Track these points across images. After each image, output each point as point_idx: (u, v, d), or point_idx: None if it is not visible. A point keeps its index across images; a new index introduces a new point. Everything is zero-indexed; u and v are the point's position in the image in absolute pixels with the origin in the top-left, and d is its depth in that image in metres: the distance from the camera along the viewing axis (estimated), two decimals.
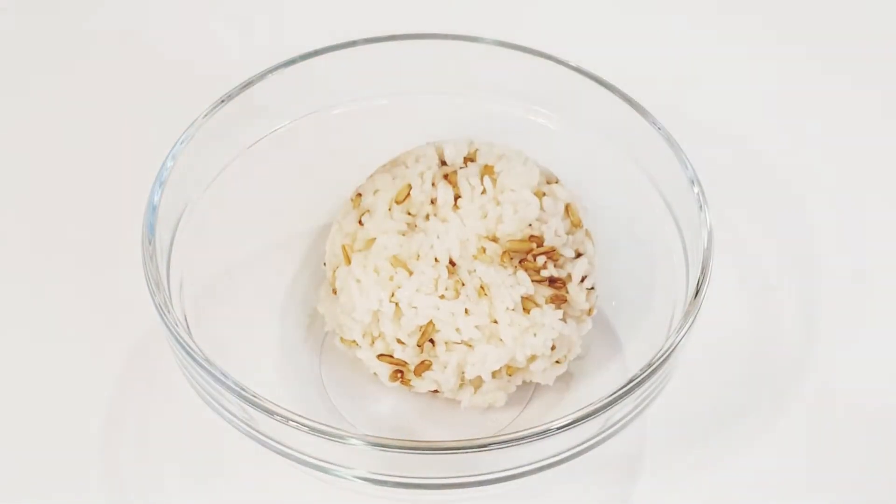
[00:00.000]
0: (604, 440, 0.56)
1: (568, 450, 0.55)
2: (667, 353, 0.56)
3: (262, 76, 0.65)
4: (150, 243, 0.58)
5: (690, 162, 0.62)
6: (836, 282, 0.71)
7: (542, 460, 0.55)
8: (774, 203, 0.75)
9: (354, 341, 0.62)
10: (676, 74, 0.81)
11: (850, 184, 0.76)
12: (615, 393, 0.54)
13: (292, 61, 0.66)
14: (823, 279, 0.71)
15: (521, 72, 0.66)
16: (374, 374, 0.63)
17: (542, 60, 0.66)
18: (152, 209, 0.59)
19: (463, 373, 0.61)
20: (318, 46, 0.66)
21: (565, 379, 0.64)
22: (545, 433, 0.53)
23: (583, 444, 0.56)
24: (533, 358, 0.61)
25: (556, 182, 0.64)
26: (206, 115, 0.63)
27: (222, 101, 0.64)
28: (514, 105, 0.68)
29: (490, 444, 0.53)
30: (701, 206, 0.61)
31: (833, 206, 0.75)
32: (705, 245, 0.59)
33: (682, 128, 0.65)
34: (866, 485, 0.64)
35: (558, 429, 0.53)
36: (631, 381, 0.55)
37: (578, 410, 0.54)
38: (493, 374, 0.61)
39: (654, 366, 0.55)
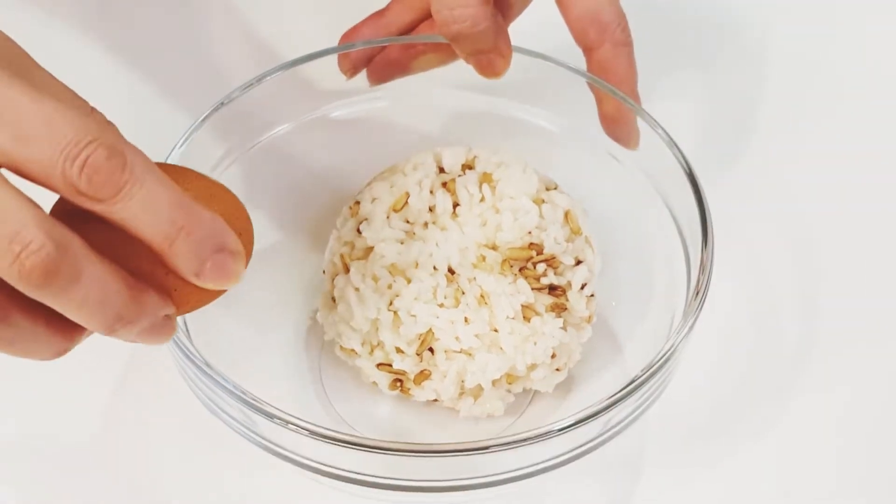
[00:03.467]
0: (605, 442, 0.56)
1: (569, 451, 0.55)
2: (667, 355, 0.56)
3: (262, 78, 0.65)
4: None
5: (690, 162, 0.62)
6: (836, 282, 0.71)
7: (543, 462, 0.55)
8: (774, 203, 0.75)
9: (353, 350, 0.62)
10: (676, 74, 0.81)
11: (851, 183, 0.76)
12: (616, 394, 0.54)
13: (292, 63, 0.65)
14: (823, 279, 0.71)
15: (522, 72, 0.66)
16: (374, 382, 0.63)
17: (542, 61, 0.66)
18: None
19: (463, 381, 0.61)
20: (318, 48, 0.66)
21: (565, 380, 0.64)
22: (546, 435, 0.53)
23: (584, 445, 0.56)
24: (533, 366, 0.61)
25: (556, 188, 0.63)
26: (205, 116, 0.63)
27: (222, 103, 0.63)
28: (514, 107, 0.68)
29: (491, 447, 0.53)
30: (701, 206, 0.60)
31: (834, 206, 0.75)
32: (705, 245, 0.59)
33: (683, 128, 0.65)
34: (867, 485, 0.64)
35: (559, 430, 0.53)
36: (632, 383, 0.55)
37: (579, 412, 0.54)
38: (493, 383, 0.61)
39: (654, 367, 0.55)
